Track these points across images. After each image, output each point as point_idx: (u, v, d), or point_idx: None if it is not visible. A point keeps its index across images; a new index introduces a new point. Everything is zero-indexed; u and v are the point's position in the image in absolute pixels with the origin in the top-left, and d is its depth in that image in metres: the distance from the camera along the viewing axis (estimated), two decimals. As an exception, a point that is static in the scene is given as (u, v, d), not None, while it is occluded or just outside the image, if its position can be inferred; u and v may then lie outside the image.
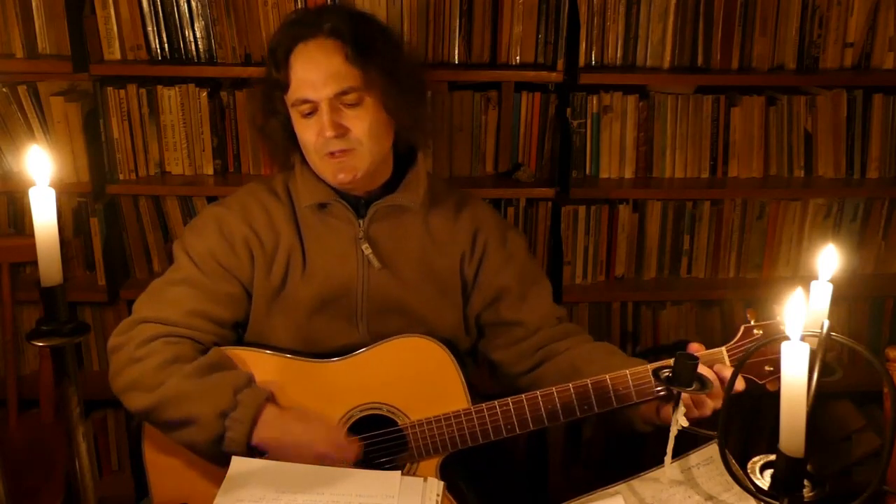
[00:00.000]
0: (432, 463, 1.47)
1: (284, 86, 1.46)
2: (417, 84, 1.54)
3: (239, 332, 1.57)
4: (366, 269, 1.53)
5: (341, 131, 1.43)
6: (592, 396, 1.39)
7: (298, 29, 1.46)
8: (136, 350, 1.45)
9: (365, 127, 1.44)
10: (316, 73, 1.42)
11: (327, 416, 1.47)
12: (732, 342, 1.40)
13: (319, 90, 1.42)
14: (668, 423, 1.38)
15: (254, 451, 1.41)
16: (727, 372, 1.36)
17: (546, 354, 1.59)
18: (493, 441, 1.44)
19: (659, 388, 1.37)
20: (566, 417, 1.41)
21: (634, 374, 1.39)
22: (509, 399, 1.42)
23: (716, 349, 1.40)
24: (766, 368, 1.37)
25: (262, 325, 1.55)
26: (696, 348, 1.40)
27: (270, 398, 1.44)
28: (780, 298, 1.40)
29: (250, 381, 1.45)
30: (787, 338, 0.84)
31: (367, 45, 1.43)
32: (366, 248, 1.52)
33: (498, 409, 1.42)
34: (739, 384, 1.36)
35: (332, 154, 1.44)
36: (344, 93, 1.42)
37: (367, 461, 1.47)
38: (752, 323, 1.40)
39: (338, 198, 1.52)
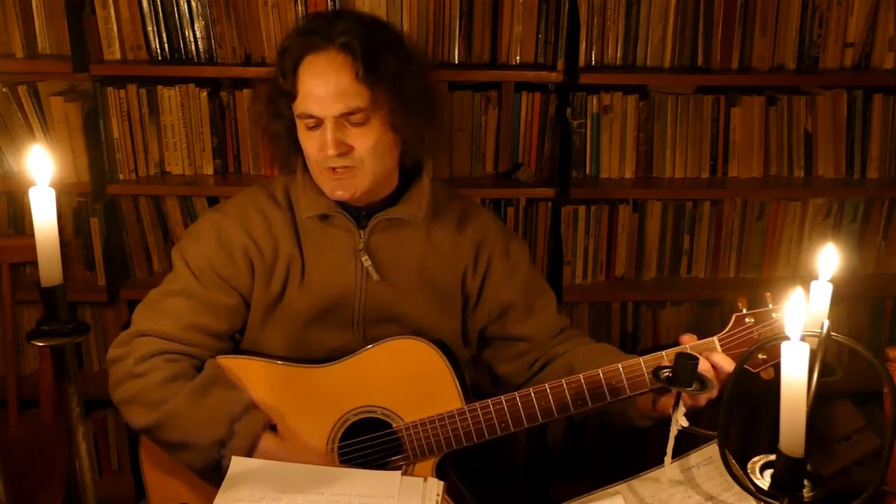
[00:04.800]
0: (428, 464, 1.47)
1: (291, 95, 1.42)
2: (428, 101, 1.50)
3: (237, 338, 1.57)
4: (364, 281, 1.52)
5: (344, 149, 1.40)
6: (585, 391, 1.39)
7: (309, 38, 1.41)
8: (136, 365, 1.45)
9: (369, 146, 1.41)
10: (324, 89, 1.38)
11: (322, 421, 1.47)
12: (725, 331, 1.40)
13: (326, 108, 1.39)
14: (665, 414, 1.38)
15: None
16: (717, 357, 1.36)
17: (545, 361, 1.59)
18: (489, 440, 1.44)
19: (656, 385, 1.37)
20: (560, 413, 1.41)
21: (627, 368, 1.39)
22: (502, 397, 1.42)
23: (708, 339, 1.40)
24: (760, 357, 1.37)
25: (256, 334, 1.54)
26: (687, 339, 1.39)
27: (267, 425, 1.45)
28: (773, 287, 1.41)
29: (248, 407, 1.44)
30: (785, 337, 0.84)
31: (378, 62, 1.40)
32: (365, 260, 1.51)
33: (491, 408, 1.42)
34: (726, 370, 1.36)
35: (332, 170, 1.42)
36: (351, 113, 1.39)
37: (364, 465, 1.47)
38: (744, 311, 1.40)
39: (339, 209, 1.50)
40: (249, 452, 1.41)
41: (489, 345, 1.64)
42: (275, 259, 1.51)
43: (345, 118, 1.39)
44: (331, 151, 1.39)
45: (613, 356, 1.51)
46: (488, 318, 1.60)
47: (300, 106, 1.42)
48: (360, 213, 1.52)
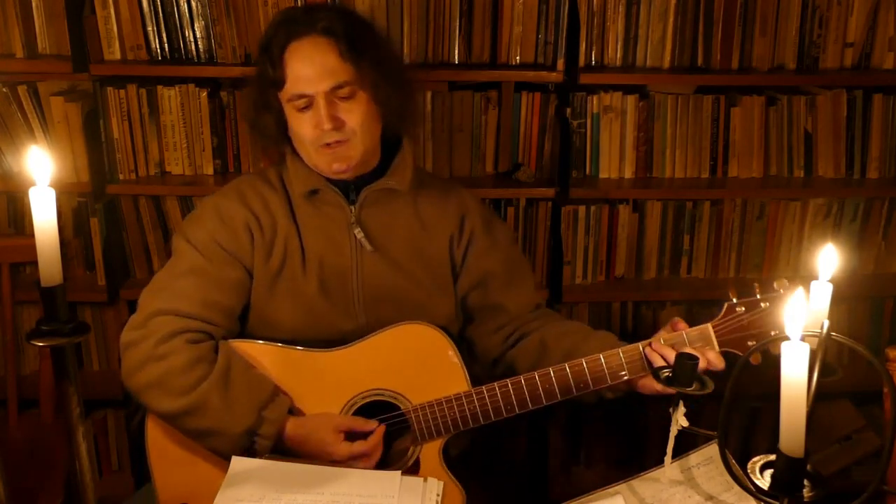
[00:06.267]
0: (435, 445, 1.51)
1: (280, 83, 1.50)
2: (404, 78, 1.60)
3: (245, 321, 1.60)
4: (359, 254, 1.58)
5: (338, 123, 1.49)
6: (588, 375, 1.46)
7: (291, 27, 1.50)
8: (157, 347, 1.45)
9: (358, 118, 1.50)
10: (311, 69, 1.47)
11: (331, 404, 1.51)
12: (717, 318, 1.47)
13: (315, 85, 1.47)
14: (636, 388, 1.49)
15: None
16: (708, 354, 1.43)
17: (520, 335, 1.65)
18: (495, 422, 1.49)
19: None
20: (563, 396, 1.48)
21: (626, 353, 1.46)
22: (508, 381, 1.48)
23: (702, 325, 1.47)
24: (749, 343, 1.45)
25: (264, 309, 1.57)
26: (682, 327, 1.47)
27: (291, 409, 1.49)
28: (762, 279, 1.47)
29: (273, 393, 1.48)
30: (785, 336, 0.85)
31: (358, 41, 1.50)
32: (358, 232, 1.57)
33: (497, 391, 1.48)
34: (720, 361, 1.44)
35: (327, 145, 1.50)
36: (339, 87, 1.48)
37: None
38: (735, 301, 1.47)
39: (328, 184, 1.57)
40: (279, 436, 1.45)
41: (471, 320, 1.69)
42: (273, 235, 1.57)
43: (333, 93, 1.48)
44: (326, 126, 1.47)
45: (584, 332, 1.60)
46: (469, 285, 1.66)
47: (290, 89, 1.49)
48: (349, 187, 1.58)
